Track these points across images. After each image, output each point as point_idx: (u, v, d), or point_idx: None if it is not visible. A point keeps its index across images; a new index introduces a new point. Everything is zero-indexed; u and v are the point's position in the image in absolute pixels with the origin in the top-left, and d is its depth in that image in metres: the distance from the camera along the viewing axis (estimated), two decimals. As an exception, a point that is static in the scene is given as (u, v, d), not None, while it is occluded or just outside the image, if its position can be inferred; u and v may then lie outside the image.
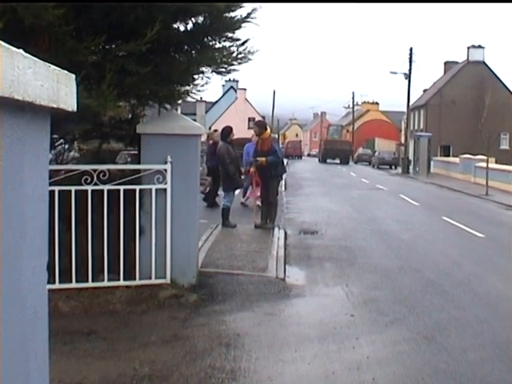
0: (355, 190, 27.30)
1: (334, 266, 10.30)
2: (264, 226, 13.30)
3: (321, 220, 16.18)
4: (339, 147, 61.57)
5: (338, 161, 61.83)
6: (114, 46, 6.75)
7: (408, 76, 49.58)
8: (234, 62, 7.76)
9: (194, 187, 7.87)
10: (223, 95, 77.28)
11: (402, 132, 65.13)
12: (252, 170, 13.75)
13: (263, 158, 13.00)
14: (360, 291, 8.54)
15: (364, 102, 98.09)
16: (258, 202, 14.82)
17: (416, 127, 63.03)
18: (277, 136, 55.29)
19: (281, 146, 20.69)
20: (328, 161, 62.41)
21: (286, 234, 13.24)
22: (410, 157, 50.08)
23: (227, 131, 13.48)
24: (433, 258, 11.31)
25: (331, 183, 32.00)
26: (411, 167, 47.87)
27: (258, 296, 7.85)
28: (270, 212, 13.49)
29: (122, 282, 7.31)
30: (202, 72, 7.75)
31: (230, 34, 7.70)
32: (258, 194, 14.18)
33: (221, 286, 8.17)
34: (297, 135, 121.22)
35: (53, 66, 1.73)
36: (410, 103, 52.91)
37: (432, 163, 46.52)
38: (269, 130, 13.75)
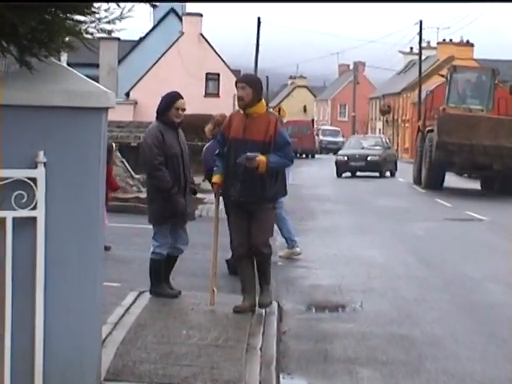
0: (420, 222, 27.73)
1: (379, 376, 10.37)
2: (261, 303, 12.62)
3: (352, 282, 16.37)
4: (492, 142, 44.54)
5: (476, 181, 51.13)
6: None
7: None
8: None
9: (95, 213, 7.89)
10: (155, 27, 77.31)
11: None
12: (216, 181, 13.01)
13: (262, 157, 12.37)
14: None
15: (443, 42, 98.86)
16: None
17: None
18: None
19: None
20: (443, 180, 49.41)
21: (280, 309, 13.34)
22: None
23: (169, 99, 13.28)
24: None
25: (371, 207, 32.47)
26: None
27: None
28: (264, 271, 12.81)
29: None
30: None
31: None
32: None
33: (147, 417, 8.18)
34: (305, 110, 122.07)
35: None
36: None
37: None
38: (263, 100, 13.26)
